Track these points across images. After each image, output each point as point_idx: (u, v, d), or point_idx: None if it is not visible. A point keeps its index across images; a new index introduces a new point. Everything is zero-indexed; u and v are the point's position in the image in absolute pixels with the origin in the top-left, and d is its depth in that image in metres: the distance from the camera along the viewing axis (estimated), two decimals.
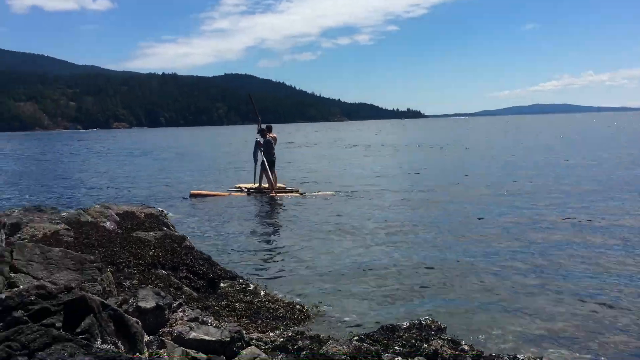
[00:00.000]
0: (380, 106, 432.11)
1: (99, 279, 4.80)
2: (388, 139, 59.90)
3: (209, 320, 3.96)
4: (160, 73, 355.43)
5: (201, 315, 3.96)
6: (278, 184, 16.28)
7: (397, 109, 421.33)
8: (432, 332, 4.40)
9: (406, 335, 4.41)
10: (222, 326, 4.00)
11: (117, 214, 7.14)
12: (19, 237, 5.88)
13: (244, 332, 4.22)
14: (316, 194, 15.48)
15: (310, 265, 7.83)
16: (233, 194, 15.75)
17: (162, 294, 4.00)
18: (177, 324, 3.75)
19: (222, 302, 5.57)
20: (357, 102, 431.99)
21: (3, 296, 3.34)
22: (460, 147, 38.84)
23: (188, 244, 6.45)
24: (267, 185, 16.00)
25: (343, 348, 3.43)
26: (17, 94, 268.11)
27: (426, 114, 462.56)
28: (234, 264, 7.65)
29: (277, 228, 10.97)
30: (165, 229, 7.17)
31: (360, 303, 6.20)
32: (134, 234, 6.36)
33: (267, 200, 14.94)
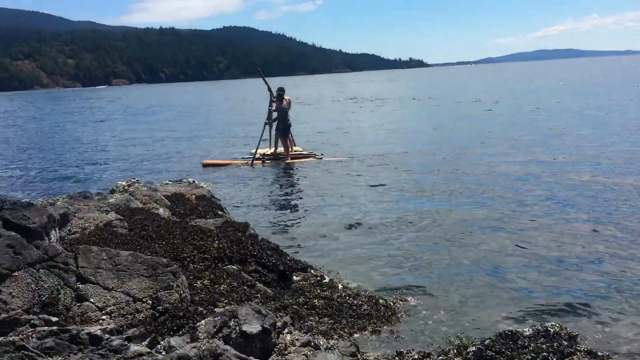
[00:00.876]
0: (382, 56, 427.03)
1: (174, 285, 4.29)
2: (398, 91, 58.62)
3: (320, 342, 3.42)
4: (157, 27, 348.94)
5: (312, 338, 3.41)
6: (295, 148, 15.64)
7: (399, 59, 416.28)
8: (564, 342, 3.86)
9: (532, 345, 3.88)
10: (333, 346, 3.48)
11: (166, 197, 6.56)
12: (69, 231, 5.33)
13: (354, 349, 3.71)
14: (335, 159, 14.79)
15: (365, 249, 7.03)
16: (248, 162, 15.00)
17: (263, 311, 3.45)
18: (290, 353, 3.22)
19: (300, 299, 5.05)
20: (358, 53, 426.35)
21: None
22: (481, 99, 37.85)
23: (252, 231, 5.89)
24: (282, 149, 15.33)
25: None
26: (14, 52, 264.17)
27: (429, 62, 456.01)
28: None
29: (308, 204, 9.89)
30: (220, 212, 6.60)
31: (441, 296, 5.51)
32: (193, 223, 5.79)
33: (284, 168, 14.26)
